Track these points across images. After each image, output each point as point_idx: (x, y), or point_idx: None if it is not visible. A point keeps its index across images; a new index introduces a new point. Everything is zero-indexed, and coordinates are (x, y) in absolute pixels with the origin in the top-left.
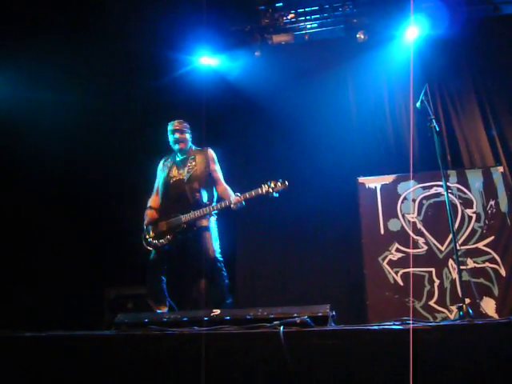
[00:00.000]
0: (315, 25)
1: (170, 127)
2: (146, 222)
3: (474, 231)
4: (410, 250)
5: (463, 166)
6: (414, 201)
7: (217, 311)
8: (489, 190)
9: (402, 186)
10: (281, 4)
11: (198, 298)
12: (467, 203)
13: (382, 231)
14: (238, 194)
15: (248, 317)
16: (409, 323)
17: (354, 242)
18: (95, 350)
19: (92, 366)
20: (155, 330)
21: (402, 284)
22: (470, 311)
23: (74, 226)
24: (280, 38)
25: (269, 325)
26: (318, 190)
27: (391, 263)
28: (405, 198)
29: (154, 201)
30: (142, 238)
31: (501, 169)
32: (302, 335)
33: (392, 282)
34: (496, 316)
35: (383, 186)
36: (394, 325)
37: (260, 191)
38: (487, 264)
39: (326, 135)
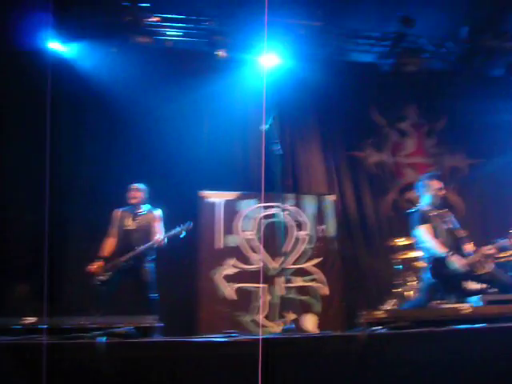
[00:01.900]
0: (179, 33)
1: (137, 186)
2: (94, 267)
3: (304, 252)
4: (245, 266)
5: (301, 191)
6: (253, 219)
7: (31, 319)
8: (320, 215)
9: (243, 203)
10: (147, 5)
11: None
12: (301, 225)
13: (219, 246)
14: (161, 235)
15: (66, 326)
16: (234, 336)
17: (190, 254)
18: None
19: None
20: None
21: (234, 298)
22: (294, 326)
23: None
24: (140, 39)
25: (89, 335)
26: (161, 199)
27: (225, 277)
28: (245, 216)
29: (108, 244)
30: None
31: (333, 197)
32: (124, 346)
33: (225, 295)
34: (317, 331)
35: (225, 202)
36: (218, 337)
37: (173, 233)
38: (313, 283)
39: (175, 145)
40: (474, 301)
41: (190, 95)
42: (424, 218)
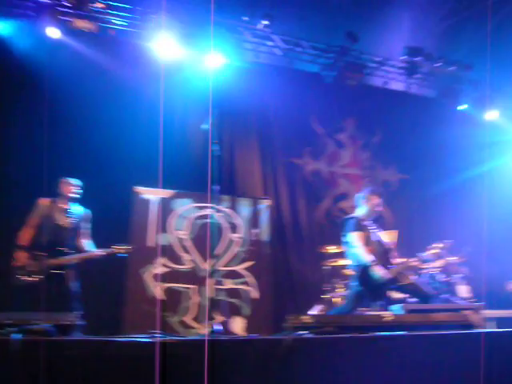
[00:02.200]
0: (125, 23)
1: (71, 181)
2: (16, 260)
3: (236, 255)
4: (175, 266)
5: (236, 194)
6: (186, 218)
7: None
8: (255, 219)
9: (178, 202)
10: None
11: None
12: (234, 228)
13: (150, 244)
14: (100, 249)
15: None
16: (156, 336)
17: None
18: None
19: None
20: None
21: (162, 298)
22: (221, 328)
23: None
24: (82, 24)
25: (3, 331)
26: (94, 192)
27: (155, 277)
28: (178, 215)
29: (28, 234)
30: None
31: (267, 202)
32: (41, 344)
33: (152, 295)
34: (244, 334)
35: (160, 200)
36: (141, 337)
37: (112, 251)
38: (243, 286)
39: (112, 138)
40: (396, 309)
41: (130, 88)
42: (359, 226)
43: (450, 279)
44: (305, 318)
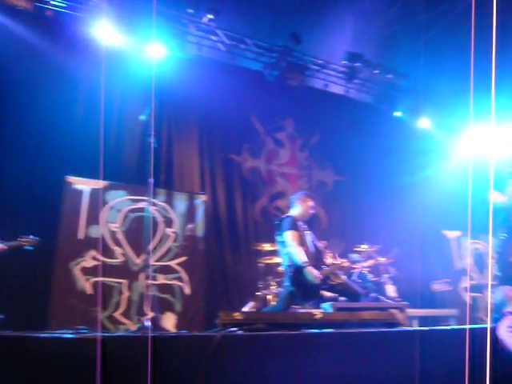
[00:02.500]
0: (63, 4)
1: None
2: None
3: (170, 249)
4: (106, 259)
5: (173, 188)
6: (120, 211)
7: None
8: (190, 214)
9: (111, 194)
10: None
11: None
12: (169, 223)
13: (81, 236)
14: (4, 243)
15: None
16: (82, 332)
17: (48, 241)
18: None
19: None
20: None
21: (91, 292)
22: (150, 324)
23: None
24: (16, 1)
25: None
26: (23, 180)
27: (84, 270)
28: (112, 207)
29: None
30: None
31: (204, 197)
32: None
33: (81, 289)
34: (175, 330)
35: (92, 191)
36: (66, 333)
37: (17, 244)
38: (175, 281)
39: (45, 124)
40: (326, 307)
41: (67, 74)
42: (295, 225)
43: (378, 279)
44: (236, 315)
